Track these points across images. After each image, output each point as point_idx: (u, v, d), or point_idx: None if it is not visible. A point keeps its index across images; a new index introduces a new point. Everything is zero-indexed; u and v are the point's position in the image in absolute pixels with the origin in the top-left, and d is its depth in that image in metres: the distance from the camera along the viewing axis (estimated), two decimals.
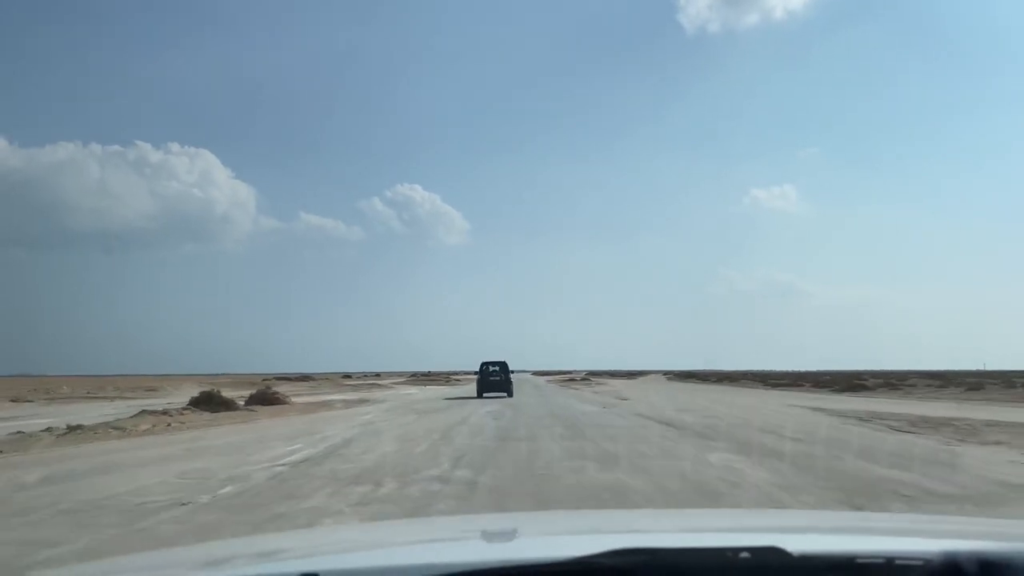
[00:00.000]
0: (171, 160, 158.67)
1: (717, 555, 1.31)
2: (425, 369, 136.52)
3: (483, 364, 34.41)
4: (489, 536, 1.92)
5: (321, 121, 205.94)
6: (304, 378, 79.20)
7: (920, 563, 1.25)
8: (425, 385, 59.19)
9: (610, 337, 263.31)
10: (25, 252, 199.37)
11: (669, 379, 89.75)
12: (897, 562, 1.26)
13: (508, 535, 1.90)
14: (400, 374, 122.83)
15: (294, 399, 28.12)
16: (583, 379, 73.64)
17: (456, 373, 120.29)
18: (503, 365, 34.18)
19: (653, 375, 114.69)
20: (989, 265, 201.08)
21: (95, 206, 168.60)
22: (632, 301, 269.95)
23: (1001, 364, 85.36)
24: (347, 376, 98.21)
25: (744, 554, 1.23)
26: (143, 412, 19.11)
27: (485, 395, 32.53)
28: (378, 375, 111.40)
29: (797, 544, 1.27)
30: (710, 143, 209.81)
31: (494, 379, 33.56)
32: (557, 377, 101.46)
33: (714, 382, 65.74)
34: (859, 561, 1.27)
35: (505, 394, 32.35)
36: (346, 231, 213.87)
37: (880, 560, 1.27)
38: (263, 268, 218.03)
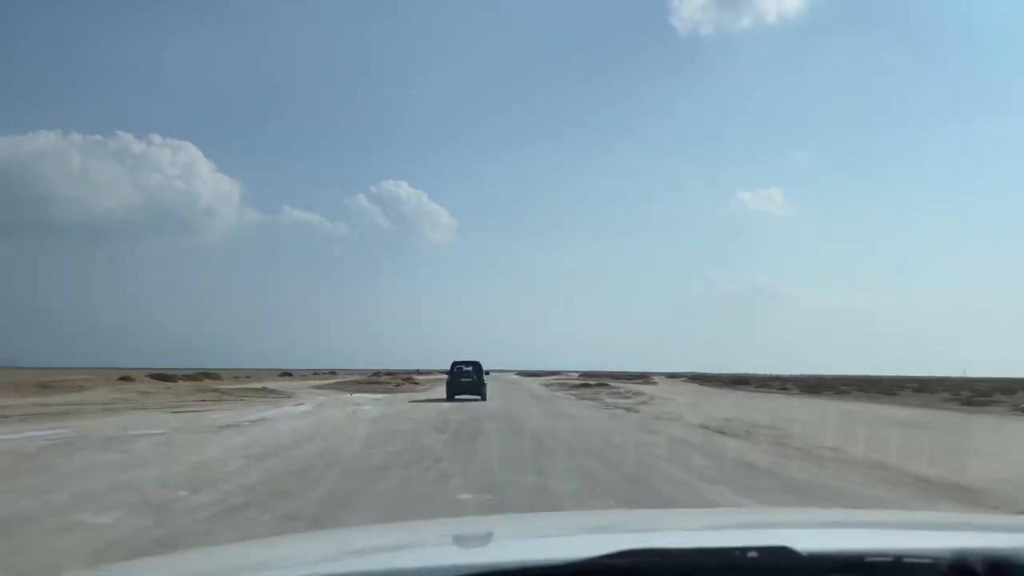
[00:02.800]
0: (153, 151, 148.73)
1: (726, 555, 1.27)
2: (414, 367, 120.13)
3: (454, 364, 30.56)
4: (496, 538, 1.87)
5: (306, 116, 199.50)
6: (205, 375, 56.92)
7: (929, 561, 1.21)
8: (353, 391, 36.86)
9: (595, 338, 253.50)
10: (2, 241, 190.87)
11: (696, 383, 68.40)
12: (906, 560, 1.22)
13: (515, 536, 1.88)
14: (361, 372, 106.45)
15: None
16: (598, 383, 51.47)
17: (431, 372, 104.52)
18: (476, 365, 30.40)
19: (660, 377, 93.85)
20: (971, 271, 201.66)
21: (75, 196, 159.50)
22: (618, 302, 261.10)
23: (980, 371, 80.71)
24: (286, 374, 78.56)
25: (752, 553, 1.19)
26: None
27: (457, 398, 28.17)
28: (333, 372, 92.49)
29: (805, 543, 1.24)
30: (699, 145, 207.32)
31: (466, 381, 29.47)
32: (551, 379, 79.83)
33: (804, 393, 44.08)
34: (868, 559, 1.24)
35: (479, 397, 28.20)
36: (331, 227, 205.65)
37: (889, 558, 1.24)
38: (245, 261, 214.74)
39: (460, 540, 1.81)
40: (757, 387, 56.56)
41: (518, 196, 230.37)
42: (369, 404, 25.40)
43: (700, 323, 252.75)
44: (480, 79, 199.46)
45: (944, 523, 2.08)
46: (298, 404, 24.65)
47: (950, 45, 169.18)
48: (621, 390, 41.25)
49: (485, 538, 1.85)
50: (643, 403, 27.41)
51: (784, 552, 1.19)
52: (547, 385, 57.18)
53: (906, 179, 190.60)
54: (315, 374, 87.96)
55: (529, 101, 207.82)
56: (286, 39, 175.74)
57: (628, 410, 23.23)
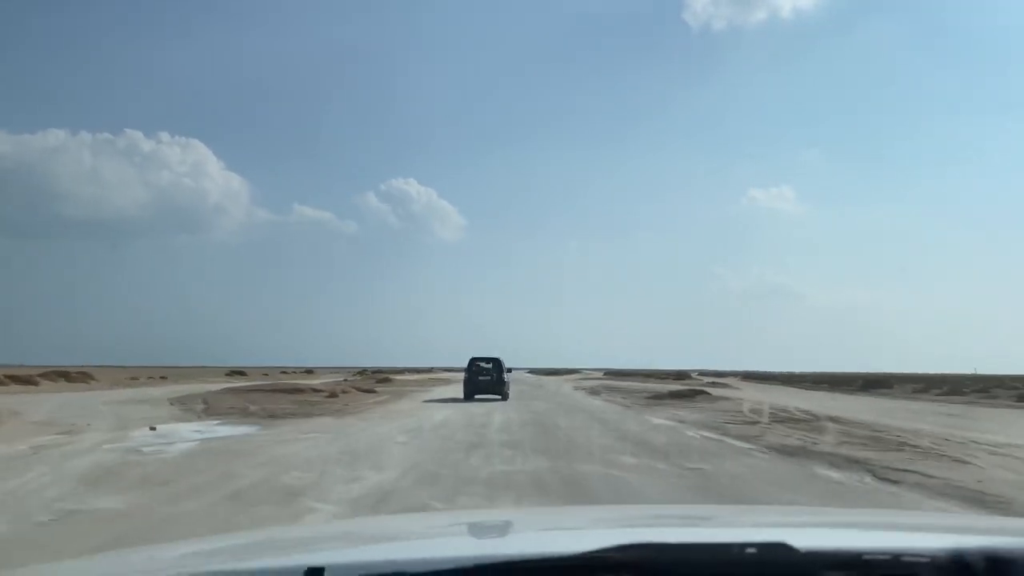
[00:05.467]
0: (162, 149, 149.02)
1: (723, 550, 1.28)
2: (427, 365, 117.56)
3: (472, 361, 27.92)
4: (495, 531, 1.88)
5: (316, 114, 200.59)
6: (83, 373, 36.64)
7: (927, 559, 1.20)
8: (207, 415, 16.09)
9: (608, 335, 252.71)
10: (9, 240, 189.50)
11: (788, 386, 47.82)
12: (904, 558, 1.22)
13: (514, 530, 1.86)
14: (348, 369, 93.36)
15: None
16: (690, 388, 30.28)
17: (440, 369, 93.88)
18: (496, 362, 27.69)
19: (700, 374, 74.52)
20: (983, 269, 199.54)
21: (83, 194, 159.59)
22: (630, 299, 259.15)
23: (992, 369, 74.23)
24: (238, 372, 61.47)
25: (750, 549, 1.19)
26: None
27: (477, 397, 26.37)
28: (310, 371, 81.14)
29: (804, 540, 1.23)
30: (711, 142, 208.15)
31: (484, 379, 27.01)
32: (583, 380, 60.50)
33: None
34: (866, 557, 1.23)
35: (499, 397, 26.20)
36: (340, 225, 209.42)
37: (887, 556, 1.23)
38: (255, 259, 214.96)
39: (456, 533, 1.86)
40: (936, 395, 35.55)
41: (528, 194, 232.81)
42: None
43: (714, 320, 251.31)
44: (490, 75, 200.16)
45: (943, 523, 2.07)
46: None
47: (967, 41, 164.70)
48: (783, 413, 20.52)
49: (478, 531, 1.86)
50: None
51: (782, 548, 1.18)
52: (591, 392, 35.84)
53: (919, 176, 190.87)
54: (283, 372, 74.80)
55: (539, 98, 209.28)
56: (296, 37, 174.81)
57: None
